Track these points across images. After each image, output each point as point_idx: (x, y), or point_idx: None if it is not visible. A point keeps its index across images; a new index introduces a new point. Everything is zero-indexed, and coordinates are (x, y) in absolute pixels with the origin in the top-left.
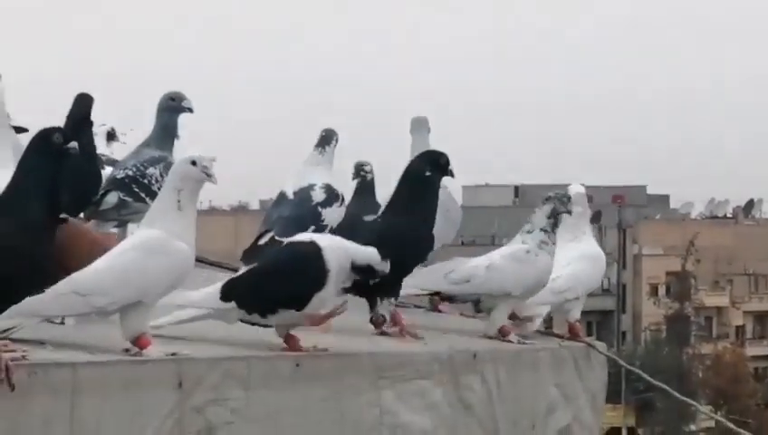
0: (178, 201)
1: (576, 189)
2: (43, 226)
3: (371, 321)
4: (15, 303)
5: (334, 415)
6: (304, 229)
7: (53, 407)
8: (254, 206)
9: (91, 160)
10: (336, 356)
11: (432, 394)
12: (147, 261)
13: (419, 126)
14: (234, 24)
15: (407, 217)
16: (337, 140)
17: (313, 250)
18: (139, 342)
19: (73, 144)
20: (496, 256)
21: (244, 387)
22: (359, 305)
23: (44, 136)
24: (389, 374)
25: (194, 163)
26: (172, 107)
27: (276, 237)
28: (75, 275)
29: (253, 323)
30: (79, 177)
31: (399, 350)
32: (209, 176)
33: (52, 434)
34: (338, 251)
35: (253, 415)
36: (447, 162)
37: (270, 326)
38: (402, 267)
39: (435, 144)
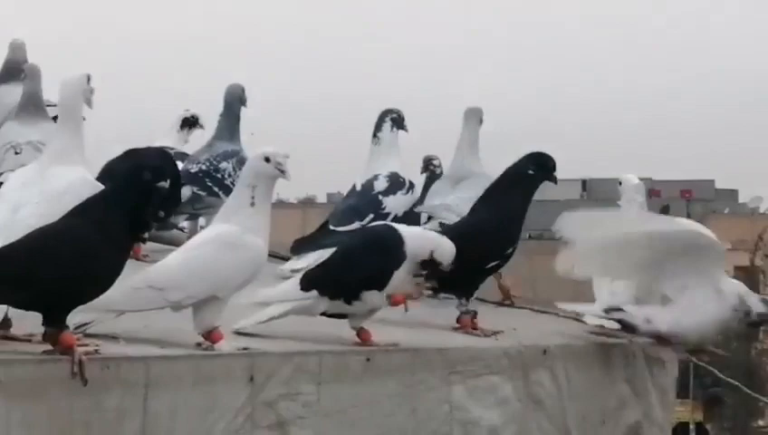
0: (252, 197)
1: (630, 180)
2: (124, 245)
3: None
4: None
5: (405, 410)
6: (362, 218)
7: (126, 401)
8: (322, 199)
9: None
10: (407, 351)
11: (502, 390)
12: (221, 256)
13: (472, 117)
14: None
15: (494, 213)
16: (393, 120)
17: (389, 231)
18: (211, 336)
19: (163, 183)
20: None
21: (315, 382)
22: (428, 300)
23: (136, 172)
24: (460, 369)
25: (267, 160)
26: (243, 99)
27: (331, 227)
28: (150, 270)
29: (334, 315)
30: None
31: (470, 345)
32: (282, 172)
33: (125, 428)
34: (413, 234)
35: (324, 409)
36: (554, 166)
37: (353, 314)
38: (481, 264)
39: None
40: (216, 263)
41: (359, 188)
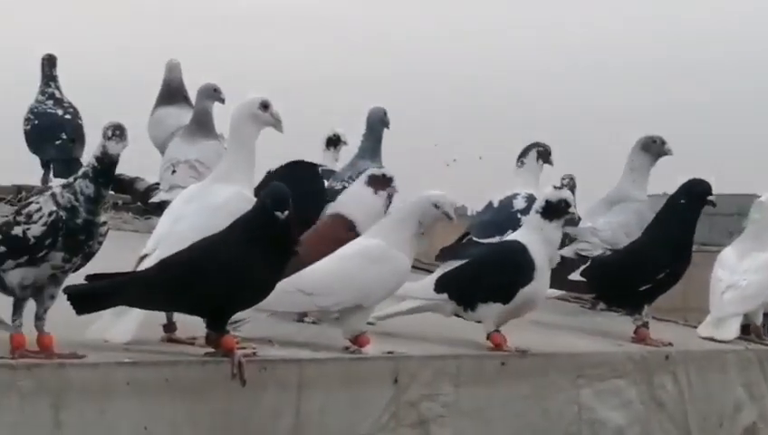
0: (415, 228)
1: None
2: (278, 259)
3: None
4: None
5: (536, 411)
6: (501, 233)
7: (281, 400)
8: None
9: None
10: (538, 356)
11: (627, 392)
12: (370, 268)
13: (642, 144)
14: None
15: (647, 240)
16: (539, 153)
17: (519, 248)
18: (358, 340)
19: (281, 214)
20: None
21: (454, 383)
22: (556, 306)
23: (263, 207)
24: (588, 373)
25: (436, 206)
26: (385, 121)
27: (474, 238)
28: (300, 275)
29: (465, 317)
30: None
31: (597, 350)
32: (450, 218)
33: (279, 425)
34: (542, 249)
35: (462, 409)
36: (706, 192)
37: (479, 322)
38: (634, 286)
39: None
40: (364, 274)
41: (496, 204)
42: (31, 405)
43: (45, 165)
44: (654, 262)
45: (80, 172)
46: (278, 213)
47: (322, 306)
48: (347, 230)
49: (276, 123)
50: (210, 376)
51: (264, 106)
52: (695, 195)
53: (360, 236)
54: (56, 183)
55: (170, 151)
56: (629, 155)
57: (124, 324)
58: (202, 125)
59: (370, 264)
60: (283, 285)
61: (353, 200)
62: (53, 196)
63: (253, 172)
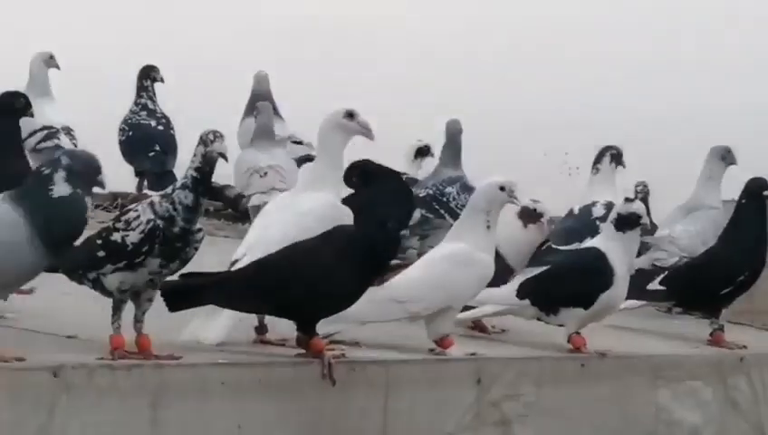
0: (487, 221)
1: None
2: (366, 270)
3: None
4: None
5: (615, 411)
6: (581, 240)
7: (369, 400)
8: None
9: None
10: (617, 358)
11: (703, 394)
12: (456, 272)
13: (716, 153)
14: None
15: (723, 245)
16: (612, 156)
17: (599, 255)
18: (443, 342)
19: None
20: None
21: (535, 384)
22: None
23: (381, 225)
24: (665, 375)
25: (502, 189)
26: (461, 131)
27: (553, 245)
28: (391, 284)
29: (546, 322)
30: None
31: (673, 353)
32: (516, 199)
33: (367, 424)
34: (620, 256)
35: (543, 409)
36: (762, 187)
37: (560, 325)
38: (714, 291)
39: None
40: (451, 277)
41: (576, 211)
42: (130, 404)
43: (140, 174)
44: (732, 266)
45: (179, 183)
46: (401, 233)
47: (413, 312)
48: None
49: (364, 131)
50: (301, 376)
51: (350, 115)
52: (752, 192)
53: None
54: (154, 193)
55: (248, 160)
56: (706, 163)
57: (217, 326)
58: (270, 137)
59: (457, 268)
60: (375, 295)
61: (503, 233)
62: (152, 205)
63: (341, 180)
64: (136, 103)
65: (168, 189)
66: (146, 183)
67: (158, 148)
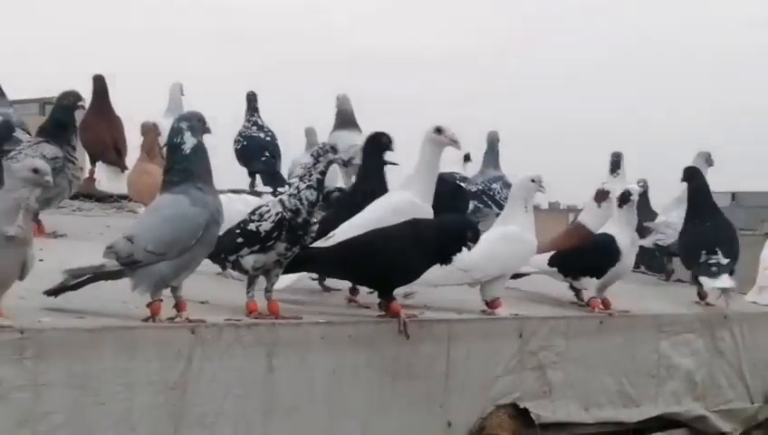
0: (526, 207)
1: None
2: (432, 254)
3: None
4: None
5: (627, 357)
6: None
7: (435, 350)
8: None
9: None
10: (627, 316)
11: (695, 344)
12: (509, 247)
13: (701, 156)
14: None
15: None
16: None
17: (608, 238)
18: (493, 304)
19: (469, 247)
20: None
21: (565, 337)
22: (638, 278)
23: (459, 238)
24: (665, 329)
25: (533, 181)
26: (498, 140)
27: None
28: (458, 257)
29: (570, 284)
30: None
31: (672, 312)
32: (543, 188)
33: (434, 368)
34: (625, 235)
35: (570, 357)
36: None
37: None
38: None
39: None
40: (505, 252)
41: None
42: (250, 354)
43: (252, 175)
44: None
45: (304, 184)
46: (469, 245)
47: (475, 279)
48: (586, 233)
49: (452, 143)
50: (382, 332)
51: (438, 130)
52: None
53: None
54: (284, 189)
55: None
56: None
57: (285, 279)
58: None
59: (509, 245)
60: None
61: (587, 213)
62: (281, 201)
63: (432, 184)
64: (248, 120)
65: (294, 189)
66: (260, 182)
67: (267, 154)
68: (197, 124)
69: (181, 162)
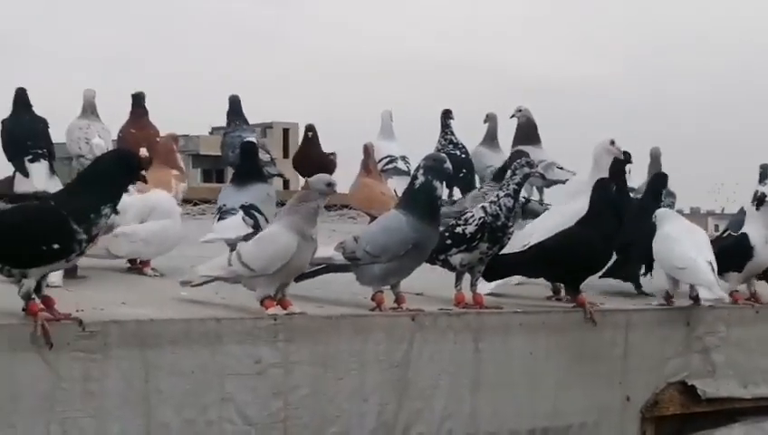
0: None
1: None
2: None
3: None
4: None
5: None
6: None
7: (615, 335)
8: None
9: None
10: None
11: None
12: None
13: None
14: None
15: None
16: None
17: (742, 236)
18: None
19: None
20: None
21: (726, 325)
22: None
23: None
24: None
25: (612, 143)
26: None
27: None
28: None
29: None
30: None
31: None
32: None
33: (614, 351)
34: (760, 233)
35: (731, 342)
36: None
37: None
38: None
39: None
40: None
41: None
42: (460, 338)
43: (450, 187)
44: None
45: (502, 193)
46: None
47: None
48: None
49: (618, 153)
50: (571, 319)
51: (612, 143)
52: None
53: None
54: (488, 198)
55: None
56: None
57: (490, 285)
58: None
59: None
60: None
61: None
62: (484, 208)
63: None
64: (443, 138)
65: (495, 197)
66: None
67: (465, 171)
68: (433, 164)
69: (410, 192)
